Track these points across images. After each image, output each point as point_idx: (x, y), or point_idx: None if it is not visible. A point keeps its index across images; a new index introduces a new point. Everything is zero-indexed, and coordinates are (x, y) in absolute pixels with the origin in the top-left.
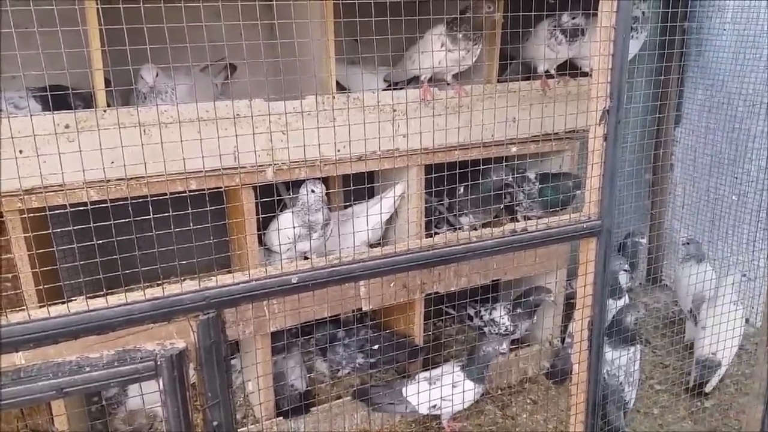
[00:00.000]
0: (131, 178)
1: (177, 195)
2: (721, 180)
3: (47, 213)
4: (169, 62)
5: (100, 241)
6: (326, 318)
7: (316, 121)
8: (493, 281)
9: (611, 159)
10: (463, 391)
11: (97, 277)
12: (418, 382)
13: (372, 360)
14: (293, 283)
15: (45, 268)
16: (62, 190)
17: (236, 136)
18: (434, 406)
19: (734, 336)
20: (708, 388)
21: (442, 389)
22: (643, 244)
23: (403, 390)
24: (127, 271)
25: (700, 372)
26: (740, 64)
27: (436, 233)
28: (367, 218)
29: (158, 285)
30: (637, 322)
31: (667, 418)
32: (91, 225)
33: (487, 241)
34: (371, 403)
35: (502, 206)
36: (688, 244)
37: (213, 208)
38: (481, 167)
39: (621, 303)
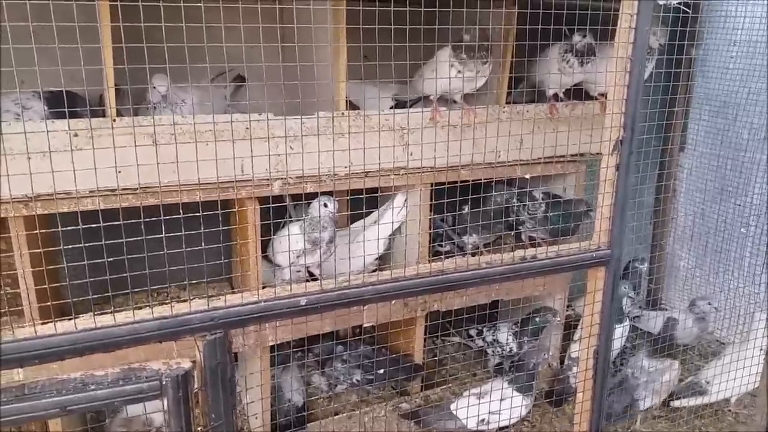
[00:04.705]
0: (141, 187)
1: (186, 216)
2: (724, 207)
3: (57, 229)
4: (179, 77)
5: (111, 259)
6: (326, 333)
7: (327, 137)
8: (493, 300)
9: (623, 189)
10: (514, 406)
11: (105, 294)
12: (468, 397)
13: (370, 376)
14: (302, 305)
15: (51, 285)
16: (70, 198)
17: (251, 151)
18: (483, 421)
19: (744, 384)
20: (677, 404)
21: (491, 404)
22: (643, 269)
23: (452, 406)
24: (137, 290)
25: (682, 389)
26: (745, 93)
27: (439, 252)
28: (378, 242)
29: (167, 303)
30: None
31: None
32: (103, 242)
33: (497, 267)
34: (419, 421)
35: (504, 228)
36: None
37: (222, 228)
38: (484, 187)
39: (621, 327)
